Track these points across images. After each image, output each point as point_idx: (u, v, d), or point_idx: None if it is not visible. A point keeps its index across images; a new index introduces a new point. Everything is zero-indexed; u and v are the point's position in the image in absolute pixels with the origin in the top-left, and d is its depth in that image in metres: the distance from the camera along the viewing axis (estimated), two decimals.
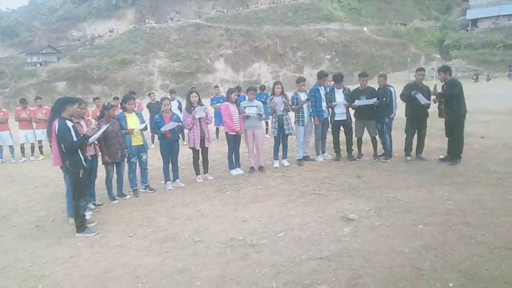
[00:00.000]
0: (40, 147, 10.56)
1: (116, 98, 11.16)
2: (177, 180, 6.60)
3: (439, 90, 6.64)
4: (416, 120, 6.90)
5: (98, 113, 9.45)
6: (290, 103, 7.17)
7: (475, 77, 35.09)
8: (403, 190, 5.35)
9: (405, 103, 6.93)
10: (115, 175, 6.02)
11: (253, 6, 59.81)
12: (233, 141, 6.93)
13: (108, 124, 5.43)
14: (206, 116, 6.54)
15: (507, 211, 4.28)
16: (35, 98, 10.88)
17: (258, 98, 7.72)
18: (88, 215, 5.09)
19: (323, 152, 7.70)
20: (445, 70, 6.64)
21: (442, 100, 6.52)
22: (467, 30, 50.81)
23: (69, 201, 4.96)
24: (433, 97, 6.64)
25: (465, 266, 3.18)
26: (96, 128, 4.96)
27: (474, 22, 51.28)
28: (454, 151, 6.58)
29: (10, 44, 60.71)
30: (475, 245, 3.54)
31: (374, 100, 6.88)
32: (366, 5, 58.48)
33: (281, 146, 7.35)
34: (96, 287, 3.38)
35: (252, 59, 51.24)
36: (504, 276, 2.99)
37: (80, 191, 4.64)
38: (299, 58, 51.36)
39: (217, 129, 11.34)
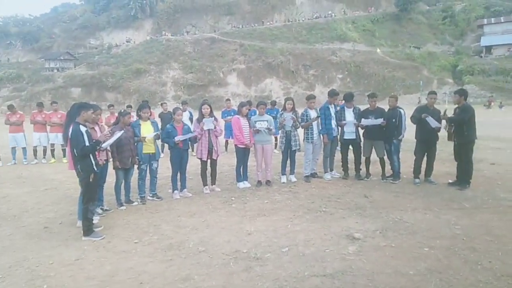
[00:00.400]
0: (52, 151, 10.76)
1: (129, 106, 11.38)
2: (185, 190, 6.66)
3: (450, 114, 6.64)
4: (426, 143, 6.90)
5: (112, 120, 9.68)
6: (299, 120, 7.24)
7: (487, 104, 34.89)
8: (410, 212, 5.32)
9: (415, 126, 6.95)
10: (124, 181, 6.11)
11: (268, 23, 60.86)
12: (242, 154, 7.00)
13: (123, 131, 5.53)
14: (215, 128, 6.62)
15: None
16: (51, 102, 11.14)
17: (268, 113, 7.81)
18: (95, 219, 5.15)
19: (331, 170, 7.71)
20: (461, 93, 6.63)
21: (452, 124, 6.52)
22: (481, 57, 50.82)
23: (81, 204, 5.03)
24: (443, 122, 6.64)
25: None
26: (109, 134, 5.07)
27: (488, 49, 51.31)
28: (463, 176, 6.54)
29: (30, 49, 62.43)
30: (481, 271, 3.50)
31: (381, 120, 6.92)
32: (380, 27, 59.02)
33: (289, 161, 7.39)
34: None
35: (264, 75, 51.79)
36: None
37: (89, 195, 4.73)
38: (311, 76, 51.76)
39: (227, 142, 11.44)
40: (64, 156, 10.34)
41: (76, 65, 55.02)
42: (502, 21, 51.89)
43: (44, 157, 10.73)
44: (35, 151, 10.58)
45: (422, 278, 3.40)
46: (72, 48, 60.43)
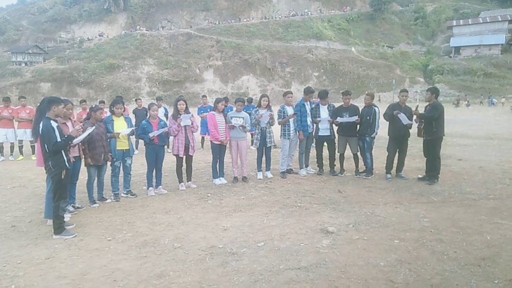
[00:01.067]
0: (20, 147, 10.35)
1: (102, 102, 11.12)
2: (160, 187, 6.58)
3: (421, 111, 6.87)
4: (398, 139, 7.11)
5: (84, 116, 9.41)
6: (276, 116, 7.31)
7: (456, 102, 36.35)
8: (382, 206, 5.48)
9: (388, 123, 7.15)
10: (96, 178, 5.97)
11: (245, 20, 60.75)
12: (218, 150, 6.98)
13: (94, 127, 5.39)
14: (192, 124, 6.58)
15: (479, 230, 4.44)
16: (19, 97, 10.69)
17: (245, 110, 7.83)
18: (66, 217, 5.01)
19: (307, 166, 7.82)
20: (433, 91, 6.87)
21: (422, 120, 6.75)
22: (450, 57, 52.80)
23: (48, 202, 4.88)
24: (414, 117, 6.86)
25: (437, 280, 3.29)
26: (81, 130, 4.94)
27: (457, 49, 53.35)
28: (432, 171, 6.80)
29: None
30: (447, 261, 3.66)
31: (355, 118, 7.08)
32: (355, 26, 60.18)
33: (264, 158, 7.44)
34: None
35: (241, 72, 51.76)
36: None
37: (61, 192, 4.58)
38: (288, 73, 52.16)
39: (203, 138, 11.37)
40: (33, 153, 9.99)
41: (46, 59, 53.05)
42: (470, 23, 54.04)
43: (11, 154, 10.31)
44: (1, 147, 10.14)
45: (392, 269, 3.52)
46: (41, 42, 58.21)
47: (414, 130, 7.00)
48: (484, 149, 10.40)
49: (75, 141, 4.89)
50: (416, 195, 6.03)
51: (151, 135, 6.14)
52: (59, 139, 4.45)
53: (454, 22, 55.96)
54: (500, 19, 52.24)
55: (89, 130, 5.16)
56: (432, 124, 6.60)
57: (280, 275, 3.47)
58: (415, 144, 8.15)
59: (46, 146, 4.45)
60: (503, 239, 4.17)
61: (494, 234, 4.29)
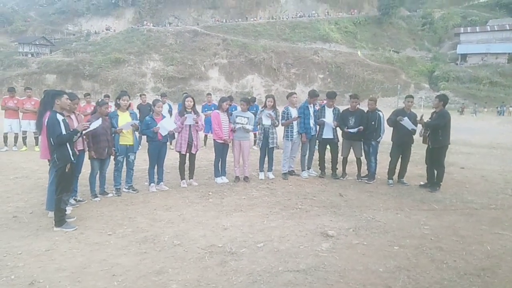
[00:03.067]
0: (24, 138, 10.39)
1: (107, 96, 11.14)
2: (161, 183, 6.59)
3: (426, 118, 6.82)
4: (401, 146, 7.08)
5: (88, 109, 9.45)
6: (280, 117, 7.31)
7: (461, 110, 36.23)
8: (382, 211, 5.48)
9: (392, 129, 7.13)
10: (99, 172, 5.99)
11: (252, 19, 60.69)
12: (221, 149, 6.99)
13: (100, 120, 5.38)
14: (197, 123, 6.59)
15: (479, 239, 4.43)
16: (25, 88, 10.74)
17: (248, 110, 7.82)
18: (68, 210, 5.03)
19: (309, 168, 7.81)
20: (441, 98, 6.80)
21: (428, 128, 6.71)
22: (457, 64, 52.59)
23: (50, 194, 4.90)
24: (419, 127, 6.82)
25: None
26: (88, 124, 4.95)
27: (464, 56, 53.14)
28: (435, 179, 6.75)
29: (3, 32, 59.85)
30: (446, 269, 3.66)
31: (359, 128, 7.08)
32: (361, 30, 60.02)
33: (267, 158, 7.44)
34: (71, 281, 3.35)
35: (246, 71, 51.72)
36: None
37: (64, 185, 4.60)
38: (293, 74, 52.09)
39: (206, 136, 11.37)
40: (37, 144, 10.03)
41: (52, 51, 53.24)
42: (478, 30, 53.81)
43: (15, 145, 10.35)
44: (5, 138, 10.20)
45: (390, 275, 3.52)
46: (48, 33, 58.43)
47: (417, 137, 6.97)
48: (487, 158, 10.37)
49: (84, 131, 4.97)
50: (417, 202, 6.02)
51: (153, 129, 6.17)
52: (64, 132, 4.46)
53: (462, 29, 55.74)
54: (508, 28, 51.97)
55: (97, 123, 5.15)
56: (438, 133, 6.55)
57: (279, 276, 3.47)
58: (418, 150, 8.13)
59: (51, 138, 4.47)
60: (504, 249, 4.16)
61: (495, 245, 4.28)
